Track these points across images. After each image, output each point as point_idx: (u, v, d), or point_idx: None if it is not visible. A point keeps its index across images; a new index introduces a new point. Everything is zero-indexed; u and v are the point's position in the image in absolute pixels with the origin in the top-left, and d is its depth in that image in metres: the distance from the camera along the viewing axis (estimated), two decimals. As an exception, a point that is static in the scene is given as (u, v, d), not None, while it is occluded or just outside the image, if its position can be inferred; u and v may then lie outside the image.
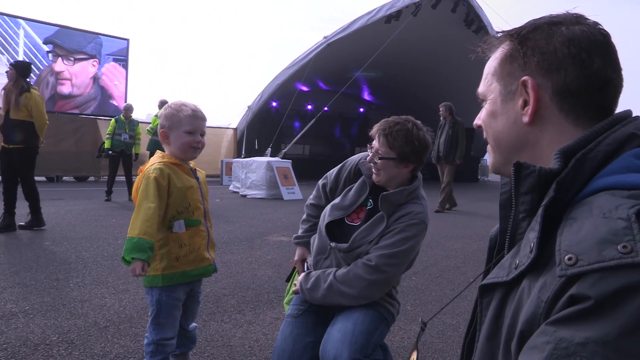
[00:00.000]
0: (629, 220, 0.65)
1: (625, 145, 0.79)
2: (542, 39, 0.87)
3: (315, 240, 2.43)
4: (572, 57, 0.84)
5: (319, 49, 16.85)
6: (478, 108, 1.01)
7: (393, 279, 2.27)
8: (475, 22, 18.18)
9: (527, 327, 0.72)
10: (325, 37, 16.86)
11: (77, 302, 3.85)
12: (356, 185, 2.38)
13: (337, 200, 2.39)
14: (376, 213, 2.26)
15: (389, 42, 15.27)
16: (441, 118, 10.60)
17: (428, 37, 18.65)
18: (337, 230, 2.32)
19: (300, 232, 2.62)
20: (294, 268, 2.65)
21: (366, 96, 26.84)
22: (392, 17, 16.53)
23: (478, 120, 1.02)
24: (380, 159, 2.23)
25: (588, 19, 0.88)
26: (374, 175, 2.29)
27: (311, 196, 2.65)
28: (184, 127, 2.38)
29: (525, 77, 0.87)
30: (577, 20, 0.87)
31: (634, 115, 0.86)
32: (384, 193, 2.24)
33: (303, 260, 2.55)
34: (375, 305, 2.24)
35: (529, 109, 0.88)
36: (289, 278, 2.69)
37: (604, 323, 0.60)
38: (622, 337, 0.59)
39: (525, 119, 0.89)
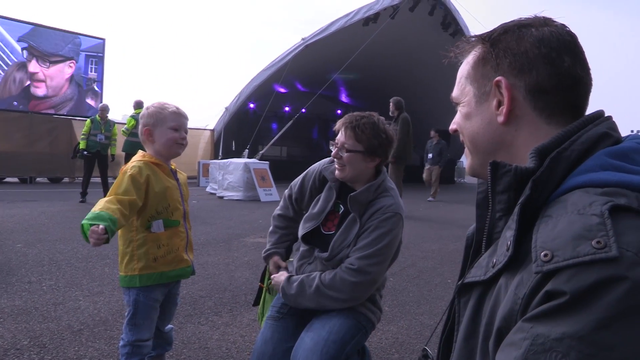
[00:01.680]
0: (602, 216, 0.67)
1: (598, 144, 0.81)
2: (513, 41, 0.89)
3: (300, 246, 2.38)
4: (542, 56, 0.86)
5: (297, 50, 16.87)
6: (453, 111, 1.02)
7: (379, 277, 2.21)
8: (452, 26, 18.39)
9: (504, 324, 0.73)
10: (303, 39, 16.88)
11: (50, 305, 3.77)
12: (323, 192, 2.35)
13: (308, 212, 2.37)
14: (348, 216, 2.23)
15: (366, 45, 15.36)
16: (390, 114, 9.98)
17: (405, 39, 18.80)
18: (315, 240, 2.28)
19: (268, 245, 2.50)
20: (260, 288, 2.58)
21: (344, 98, 26.93)
22: (370, 20, 16.64)
23: (453, 125, 1.03)
24: (347, 151, 2.18)
25: (555, 21, 0.91)
26: (337, 172, 2.23)
27: (278, 207, 2.58)
28: (169, 123, 2.37)
29: (498, 78, 0.89)
30: (545, 22, 0.90)
31: (605, 115, 0.88)
32: (352, 194, 2.18)
33: (278, 268, 2.44)
34: (356, 313, 2.18)
35: (504, 108, 0.89)
36: (257, 301, 2.59)
37: (579, 318, 0.61)
38: (597, 331, 0.60)
39: (500, 118, 0.90)
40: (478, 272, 0.87)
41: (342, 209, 2.29)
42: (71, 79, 17.35)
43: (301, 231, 2.31)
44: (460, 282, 0.93)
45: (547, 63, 0.86)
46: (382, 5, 16.56)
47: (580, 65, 0.87)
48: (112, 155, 10.69)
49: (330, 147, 2.28)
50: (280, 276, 2.30)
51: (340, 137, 2.22)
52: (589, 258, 0.63)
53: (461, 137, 1.01)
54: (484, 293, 0.84)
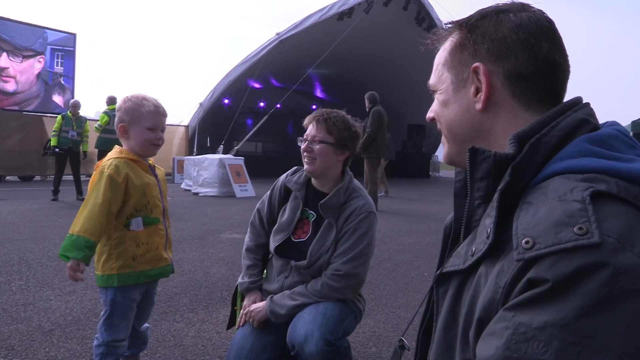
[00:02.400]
0: (583, 202, 0.66)
1: (577, 131, 0.80)
2: (491, 26, 0.88)
3: (271, 266, 2.37)
4: (521, 42, 0.85)
5: (271, 45, 16.79)
6: (428, 105, 1.01)
7: (365, 276, 2.27)
8: (426, 20, 18.50)
9: (484, 314, 0.72)
10: (277, 34, 16.80)
11: (20, 305, 3.68)
12: (289, 202, 2.35)
13: (276, 224, 2.35)
14: (322, 222, 2.25)
15: (341, 39, 15.35)
16: (366, 109, 9.86)
17: (380, 34, 18.86)
18: (288, 250, 2.27)
19: (246, 278, 2.38)
20: (234, 311, 2.51)
21: (319, 93, 26.94)
22: (345, 15, 16.63)
23: (430, 113, 1.01)
24: (320, 142, 2.21)
25: (533, 7, 0.90)
26: (307, 167, 2.25)
27: (247, 239, 2.48)
28: (146, 123, 2.29)
29: (476, 64, 0.87)
30: (523, 7, 0.89)
31: (583, 102, 0.87)
32: (322, 202, 2.22)
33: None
34: (344, 300, 2.22)
35: (482, 95, 0.88)
36: (231, 323, 2.52)
37: (561, 305, 0.60)
38: (579, 319, 0.59)
39: (479, 105, 0.89)
40: (457, 261, 0.86)
41: (314, 216, 2.29)
42: (38, 74, 16.97)
43: (273, 244, 2.30)
44: (438, 272, 0.91)
45: (525, 49, 0.85)
46: (356, 0, 16.56)
47: (559, 51, 0.87)
48: (84, 152, 10.50)
49: (299, 143, 2.30)
50: (259, 306, 2.23)
51: (310, 130, 2.25)
52: (571, 244, 0.62)
53: (438, 126, 1.00)
54: (463, 282, 0.83)
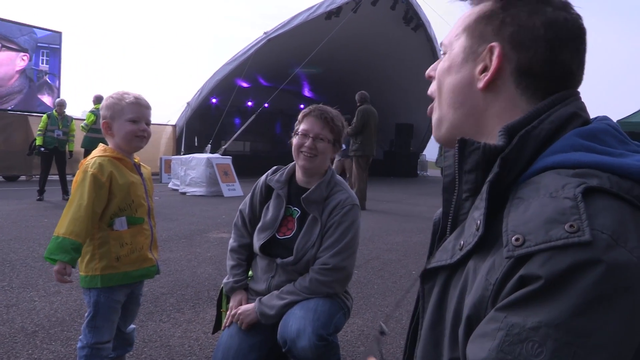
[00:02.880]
0: (575, 199, 0.65)
1: (568, 124, 0.79)
2: (525, 12, 0.84)
3: (256, 267, 2.36)
4: (546, 40, 0.82)
5: (259, 44, 16.72)
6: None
7: (353, 269, 2.29)
8: (414, 20, 18.57)
9: (474, 312, 0.70)
10: (265, 33, 16.73)
11: (2, 307, 3.62)
12: (271, 201, 2.35)
13: (260, 222, 2.34)
14: (306, 218, 2.26)
15: (329, 38, 15.34)
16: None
17: (368, 33, 18.87)
18: (273, 248, 2.26)
19: (231, 278, 2.37)
20: (220, 314, 2.49)
21: (307, 92, 26.89)
22: (332, 14, 16.62)
23: (432, 71, 0.99)
24: (324, 140, 2.26)
25: (574, 9, 0.86)
26: (305, 162, 2.26)
27: (231, 240, 2.48)
28: (127, 115, 2.25)
29: (494, 44, 0.84)
30: (564, 6, 0.86)
31: (574, 95, 0.85)
32: (304, 196, 2.24)
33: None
34: (333, 296, 2.22)
35: (487, 76, 0.85)
36: (217, 327, 2.49)
37: (555, 304, 0.59)
38: (573, 318, 0.58)
39: (480, 84, 0.86)
40: (444, 256, 0.84)
41: (298, 212, 2.29)
42: (22, 71, 16.70)
43: (258, 242, 2.28)
44: (424, 268, 0.90)
45: (547, 48, 0.82)
46: (344, -1, 16.57)
47: (578, 61, 0.85)
48: (70, 152, 10.37)
49: (294, 138, 2.30)
50: (248, 309, 2.21)
51: (314, 127, 2.27)
52: (561, 242, 0.61)
53: (434, 85, 0.97)
54: (450, 278, 0.82)
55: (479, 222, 0.75)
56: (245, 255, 2.43)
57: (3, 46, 16.07)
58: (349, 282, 2.29)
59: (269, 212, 2.33)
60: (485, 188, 0.76)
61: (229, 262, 2.42)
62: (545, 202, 0.67)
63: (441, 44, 0.97)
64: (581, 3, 0.88)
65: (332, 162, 2.37)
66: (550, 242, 0.62)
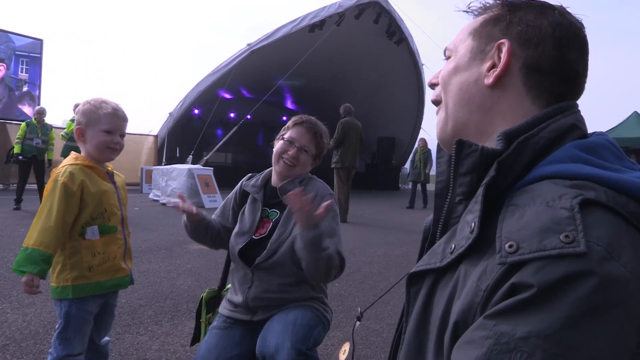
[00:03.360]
0: (572, 210, 0.65)
1: (567, 136, 0.79)
2: (532, 14, 0.87)
3: (234, 278, 2.31)
4: (554, 38, 0.84)
5: (243, 56, 16.71)
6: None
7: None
8: (397, 34, 18.74)
9: (462, 318, 0.68)
10: (248, 45, 16.74)
11: (-25, 318, 3.52)
12: (247, 205, 2.34)
13: (236, 228, 2.32)
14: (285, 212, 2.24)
15: (312, 51, 15.39)
16: None
17: (351, 47, 18.98)
18: (250, 250, 2.23)
19: None
20: (199, 324, 2.45)
21: (289, 105, 26.90)
22: (316, 27, 16.67)
23: (434, 79, 0.99)
24: (307, 153, 2.28)
25: (576, 17, 0.89)
26: (283, 169, 2.25)
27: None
28: (103, 125, 2.21)
29: (503, 40, 0.86)
30: (567, 12, 0.88)
31: (573, 107, 0.86)
32: (280, 186, 2.25)
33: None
34: (313, 308, 2.19)
35: (496, 71, 0.86)
36: (196, 339, 2.46)
37: (546, 315, 0.58)
38: (563, 330, 0.57)
39: (488, 80, 0.87)
40: (432, 259, 0.82)
41: (277, 214, 2.28)
42: (1, 80, 16.49)
43: (237, 246, 2.24)
44: (411, 271, 0.88)
45: (555, 46, 0.84)
46: (328, 12, 16.64)
47: (583, 65, 0.86)
48: (49, 161, 10.21)
49: (277, 144, 2.30)
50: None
51: (301, 138, 2.27)
52: (555, 252, 0.60)
53: (435, 91, 0.97)
54: (437, 281, 0.80)
55: (473, 224, 0.74)
56: (217, 225, 2.40)
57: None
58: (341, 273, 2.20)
59: (245, 217, 2.31)
60: (480, 191, 0.75)
61: None
62: (541, 210, 0.67)
63: (445, 49, 0.98)
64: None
65: None
66: (544, 251, 0.61)
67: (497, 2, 0.93)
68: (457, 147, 0.82)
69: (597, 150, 0.77)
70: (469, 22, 0.96)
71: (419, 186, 14.89)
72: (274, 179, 2.35)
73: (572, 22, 0.86)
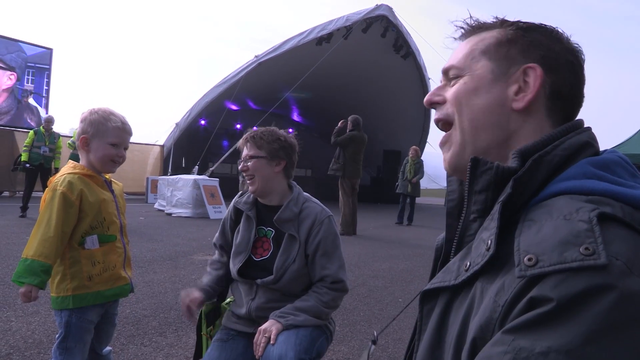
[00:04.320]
0: (590, 222, 0.64)
1: (580, 153, 0.79)
2: (547, 38, 0.88)
3: (237, 291, 2.31)
4: (570, 64, 0.86)
5: (250, 68, 16.80)
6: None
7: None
8: (404, 48, 18.81)
9: (480, 334, 0.67)
10: (256, 56, 16.83)
11: (-22, 326, 3.51)
12: (241, 223, 2.33)
13: (233, 247, 2.32)
14: (282, 237, 2.22)
15: (319, 64, 15.46)
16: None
17: (358, 60, 19.06)
18: (251, 271, 2.22)
19: (204, 278, 2.40)
20: (200, 337, 2.43)
21: (296, 117, 26.99)
22: (323, 39, 16.77)
23: (436, 97, 0.95)
24: (251, 157, 2.24)
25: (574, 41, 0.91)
26: (249, 188, 2.27)
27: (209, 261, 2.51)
28: (109, 138, 2.21)
29: (533, 64, 0.85)
30: (570, 39, 0.90)
31: (585, 125, 0.87)
32: (276, 217, 2.22)
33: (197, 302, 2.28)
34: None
35: (527, 96, 0.85)
36: (198, 354, 2.42)
37: (567, 329, 0.57)
38: (585, 345, 0.55)
39: (518, 104, 0.86)
40: (447, 277, 0.81)
41: (273, 232, 2.27)
42: (10, 90, 16.58)
43: (234, 267, 2.24)
44: (424, 288, 0.86)
45: (572, 72, 0.86)
46: (335, 25, 16.73)
47: (583, 87, 0.89)
48: (56, 169, 10.23)
49: (238, 167, 2.33)
50: (272, 326, 2.08)
51: (244, 151, 2.30)
52: (576, 264, 0.59)
53: (442, 110, 0.93)
54: (452, 299, 0.79)
55: (489, 242, 0.73)
56: (217, 266, 2.43)
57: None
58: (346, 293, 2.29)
59: (239, 235, 2.30)
60: (497, 208, 0.75)
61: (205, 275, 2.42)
62: (559, 224, 0.66)
63: (450, 67, 0.94)
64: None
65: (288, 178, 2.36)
66: (564, 264, 0.60)
67: (498, 21, 0.93)
68: (472, 164, 0.81)
69: (611, 167, 0.77)
70: (471, 40, 0.93)
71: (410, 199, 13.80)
72: (259, 198, 2.35)
73: (577, 49, 0.89)
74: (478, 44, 0.92)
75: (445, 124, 0.94)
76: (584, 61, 0.88)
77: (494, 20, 0.94)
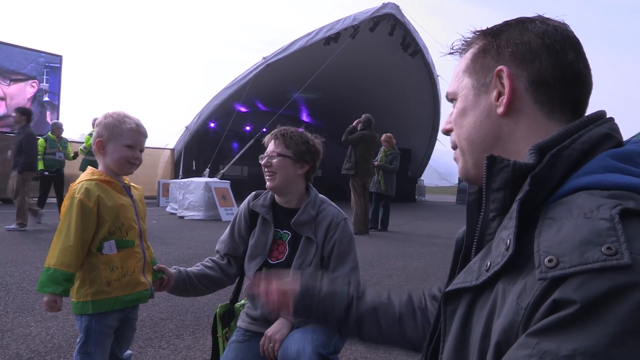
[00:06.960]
0: (612, 220, 0.62)
1: (600, 146, 0.77)
2: (516, 32, 0.86)
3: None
4: (546, 47, 0.83)
5: (258, 69, 16.82)
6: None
7: None
8: (412, 46, 18.75)
9: (504, 337, 0.66)
10: (264, 58, 16.85)
11: (-2, 332, 3.54)
12: (257, 227, 2.32)
13: (248, 251, 2.31)
14: (299, 240, 2.23)
15: (327, 64, 15.45)
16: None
17: (366, 59, 19.03)
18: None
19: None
20: (216, 340, 2.43)
21: (305, 117, 26.98)
22: (331, 39, 16.75)
23: (447, 125, 0.98)
24: (278, 156, 2.24)
25: (557, 20, 0.88)
26: (268, 183, 2.26)
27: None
28: (125, 140, 2.22)
29: (500, 67, 0.85)
30: (547, 20, 0.88)
31: (607, 116, 0.84)
32: (294, 220, 2.22)
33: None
34: None
35: (504, 98, 0.84)
36: (215, 357, 2.42)
37: (592, 331, 0.56)
38: (611, 347, 0.54)
39: (500, 109, 0.85)
40: (468, 277, 0.80)
41: (289, 235, 2.27)
42: (33, 98, 16.79)
43: (250, 270, 2.24)
44: (446, 289, 0.86)
45: (550, 54, 0.83)
46: (342, 25, 16.71)
47: (583, 62, 0.85)
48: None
49: (260, 161, 2.32)
50: (279, 329, 2.10)
51: (269, 147, 2.29)
52: (598, 265, 0.58)
53: (452, 137, 0.96)
54: (475, 300, 0.78)
55: (508, 241, 0.71)
56: (210, 264, 2.41)
57: (11, 80, 16.19)
58: None
59: (256, 238, 2.29)
60: (515, 206, 0.73)
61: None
62: (580, 222, 0.64)
63: (447, 94, 0.97)
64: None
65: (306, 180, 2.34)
66: (586, 265, 0.59)
67: (476, 34, 0.92)
68: (489, 162, 0.80)
69: (634, 159, 0.74)
70: (458, 62, 0.95)
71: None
72: (277, 197, 2.35)
73: (555, 27, 0.86)
74: (460, 64, 0.94)
75: (455, 146, 0.97)
76: (568, 37, 0.85)
77: (473, 34, 0.93)
